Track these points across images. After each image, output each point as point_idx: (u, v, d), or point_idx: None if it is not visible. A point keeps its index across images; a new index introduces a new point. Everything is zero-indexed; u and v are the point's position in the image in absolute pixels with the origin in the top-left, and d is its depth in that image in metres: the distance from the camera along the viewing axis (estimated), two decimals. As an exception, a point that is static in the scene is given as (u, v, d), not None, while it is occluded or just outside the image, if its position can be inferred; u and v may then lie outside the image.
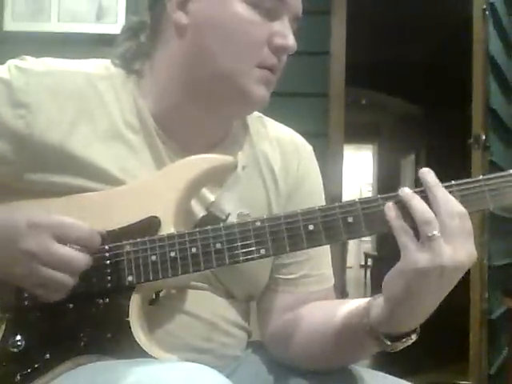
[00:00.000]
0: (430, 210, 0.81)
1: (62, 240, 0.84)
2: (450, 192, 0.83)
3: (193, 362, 0.80)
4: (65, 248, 0.84)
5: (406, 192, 0.83)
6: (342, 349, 0.95)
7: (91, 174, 0.92)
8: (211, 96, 0.96)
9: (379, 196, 0.85)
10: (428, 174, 0.83)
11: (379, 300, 0.87)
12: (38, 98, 0.92)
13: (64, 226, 0.85)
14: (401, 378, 0.99)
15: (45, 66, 0.95)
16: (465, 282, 3.08)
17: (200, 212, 0.96)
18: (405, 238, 0.81)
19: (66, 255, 0.84)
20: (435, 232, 0.79)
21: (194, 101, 0.96)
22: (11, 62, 0.95)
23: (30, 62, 0.95)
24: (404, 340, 0.87)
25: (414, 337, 0.88)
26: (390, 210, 0.83)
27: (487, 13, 2.82)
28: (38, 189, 0.92)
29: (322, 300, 1.05)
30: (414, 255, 0.80)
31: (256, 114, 1.08)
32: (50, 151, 0.91)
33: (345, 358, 0.98)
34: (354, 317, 0.91)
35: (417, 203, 0.82)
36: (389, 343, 0.87)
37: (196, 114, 0.97)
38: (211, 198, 0.97)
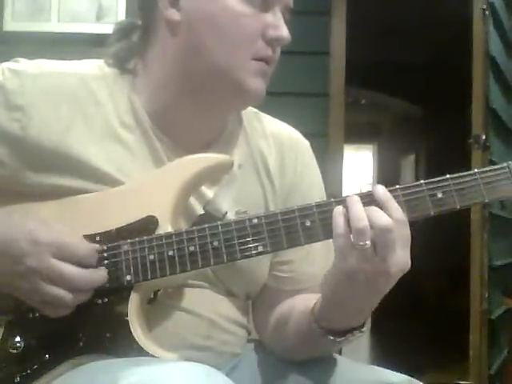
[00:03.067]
0: (366, 220, 0.81)
1: (61, 258, 0.84)
2: (447, 185, 0.84)
3: (192, 359, 0.81)
4: (66, 266, 0.84)
5: (350, 198, 0.84)
6: (308, 339, 0.96)
7: (88, 175, 0.92)
8: (207, 92, 0.96)
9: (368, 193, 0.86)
10: (379, 189, 0.84)
11: (320, 298, 0.90)
12: (32, 100, 0.92)
13: (63, 245, 0.85)
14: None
15: (38, 67, 0.95)
16: (465, 281, 3.06)
17: (198, 210, 0.96)
18: (339, 240, 0.83)
19: (66, 273, 0.84)
20: (367, 242, 0.80)
21: (190, 97, 0.96)
22: (4, 65, 0.94)
23: (23, 64, 0.95)
24: (344, 337, 0.89)
25: (356, 333, 0.90)
26: (339, 214, 0.84)
27: (487, 13, 2.83)
28: (36, 191, 0.92)
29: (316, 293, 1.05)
30: (344, 258, 0.82)
31: (252, 109, 1.08)
32: (46, 153, 0.91)
33: (315, 348, 0.99)
34: (308, 312, 0.93)
35: (355, 210, 0.82)
36: (331, 338, 0.89)
37: (192, 110, 0.97)
38: (210, 195, 0.97)
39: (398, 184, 0.86)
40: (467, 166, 2.80)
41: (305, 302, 0.98)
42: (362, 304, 0.87)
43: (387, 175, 7.78)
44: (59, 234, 0.86)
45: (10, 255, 0.84)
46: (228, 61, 0.93)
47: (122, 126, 0.95)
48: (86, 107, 0.94)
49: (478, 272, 2.80)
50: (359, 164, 8.89)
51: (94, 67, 0.99)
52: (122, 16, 2.59)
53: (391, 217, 0.81)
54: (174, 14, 0.94)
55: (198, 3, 0.94)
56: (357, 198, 0.84)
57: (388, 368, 1.08)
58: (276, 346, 1.04)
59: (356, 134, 6.05)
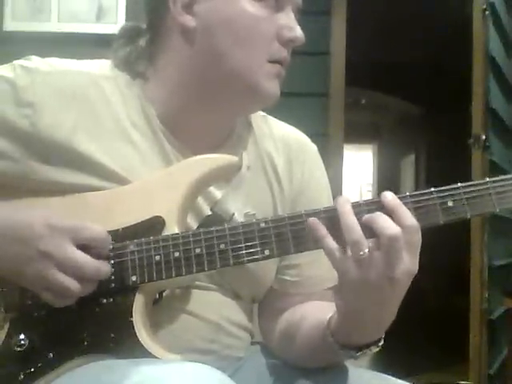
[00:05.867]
0: (359, 229, 0.80)
1: (78, 242, 0.85)
2: (457, 194, 0.83)
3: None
4: (80, 253, 0.84)
5: (342, 207, 0.82)
6: (321, 352, 0.95)
7: (96, 173, 0.92)
8: (222, 95, 0.96)
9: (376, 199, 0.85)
10: (387, 196, 0.83)
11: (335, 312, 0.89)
12: (42, 97, 0.92)
13: (79, 229, 0.85)
14: (401, 378, 0.99)
15: (50, 65, 0.95)
16: (465, 281, 3.06)
17: (206, 210, 0.96)
18: (334, 258, 0.82)
19: (79, 260, 0.84)
20: (365, 251, 0.80)
21: (204, 101, 0.96)
22: (16, 62, 0.95)
23: (35, 62, 0.95)
24: (361, 352, 0.88)
25: (373, 349, 0.88)
26: (316, 226, 0.83)
27: (487, 13, 2.82)
28: (44, 188, 0.92)
29: (323, 300, 1.05)
30: (347, 273, 0.81)
31: (260, 112, 1.08)
32: (54, 149, 0.92)
33: (327, 360, 0.98)
34: (324, 326, 0.92)
35: (345, 221, 0.81)
36: (348, 353, 0.88)
37: (204, 114, 0.97)
38: (218, 195, 0.97)
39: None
40: (467, 166, 2.81)
41: (316, 313, 0.98)
42: (376, 315, 0.85)
43: (387, 175, 7.78)
44: (74, 220, 0.87)
45: (20, 239, 0.84)
46: (245, 64, 0.93)
47: (132, 127, 0.95)
48: (97, 106, 0.94)
49: (478, 272, 2.80)
50: (359, 164, 8.89)
51: (106, 68, 0.99)
52: (121, 16, 2.59)
53: (401, 223, 0.80)
54: (188, 20, 0.93)
55: (214, 8, 0.93)
56: (348, 207, 0.82)
57: (388, 367, 1.08)
58: (283, 353, 1.04)
59: (356, 134, 6.06)
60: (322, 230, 0.83)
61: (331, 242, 0.82)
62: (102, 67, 0.99)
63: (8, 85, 0.92)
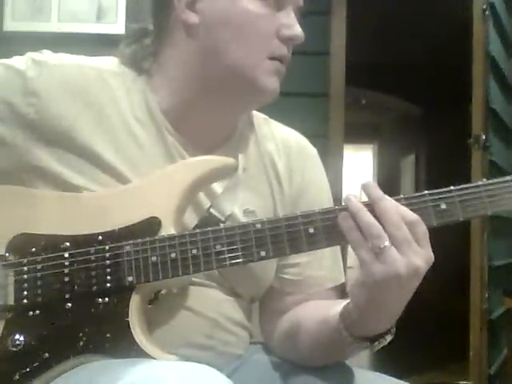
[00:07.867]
0: (376, 222, 0.81)
1: None
2: (451, 197, 0.85)
3: (193, 358, 0.81)
4: None
5: (352, 204, 0.84)
6: (331, 347, 0.95)
7: (97, 164, 0.93)
8: (223, 91, 0.98)
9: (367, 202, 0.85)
10: (371, 188, 0.84)
11: (349, 306, 0.88)
12: (48, 87, 0.94)
13: None
14: (401, 377, 0.99)
15: (59, 59, 0.98)
16: (465, 281, 3.06)
17: (207, 206, 0.97)
18: (361, 251, 0.82)
19: None
20: (386, 243, 0.80)
21: (206, 97, 0.98)
22: (29, 55, 0.98)
23: (46, 56, 0.98)
24: (377, 342, 0.88)
25: (388, 338, 0.89)
26: (344, 220, 0.84)
27: (487, 13, 2.83)
28: (43, 180, 0.93)
29: (323, 299, 1.05)
30: (371, 268, 0.81)
31: (261, 115, 1.10)
32: (58, 141, 0.93)
33: (338, 355, 0.98)
34: (334, 320, 0.92)
35: (362, 216, 0.82)
36: (363, 344, 0.88)
37: (206, 109, 0.99)
38: (219, 191, 0.98)
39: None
40: (467, 166, 2.81)
41: (320, 310, 0.98)
42: (396, 307, 0.86)
43: (387, 175, 7.79)
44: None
45: None
46: (245, 61, 0.95)
47: (136, 121, 0.97)
48: (102, 101, 0.96)
49: (478, 272, 2.80)
50: (359, 164, 8.89)
51: (113, 64, 1.01)
52: (122, 16, 2.59)
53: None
54: (191, 17, 0.96)
55: (216, 6, 0.96)
56: (359, 205, 0.83)
57: (388, 367, 1.08)
58: (286, 353, 1.04)
59: (356, 134, 6.05)
60: (350, 222, 0.83)
61: (357, 235, 0.83)
62: (109, 63, 1.01)
63: (18, 75, 0.94)
